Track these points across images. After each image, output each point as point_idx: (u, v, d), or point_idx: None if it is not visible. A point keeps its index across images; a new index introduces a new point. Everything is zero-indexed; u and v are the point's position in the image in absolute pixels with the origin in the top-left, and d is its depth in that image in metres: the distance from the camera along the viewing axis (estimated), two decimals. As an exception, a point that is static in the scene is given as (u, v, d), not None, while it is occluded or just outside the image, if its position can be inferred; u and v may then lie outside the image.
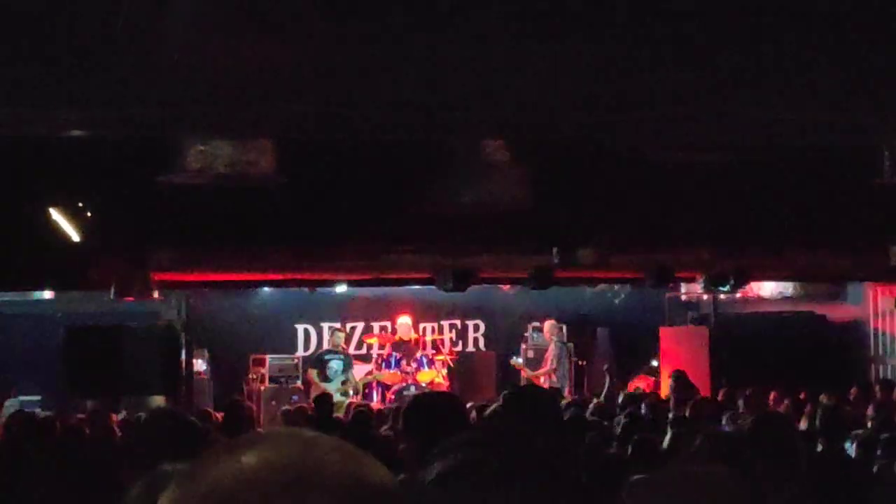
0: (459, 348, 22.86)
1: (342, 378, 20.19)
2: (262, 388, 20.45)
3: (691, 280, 19.54)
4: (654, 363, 21.36)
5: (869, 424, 11.34)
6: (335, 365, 20.33)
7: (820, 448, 8.91)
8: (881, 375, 19.87)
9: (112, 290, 15.76)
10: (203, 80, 6.17)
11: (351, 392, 19.97)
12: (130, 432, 9.51)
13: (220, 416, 13.92)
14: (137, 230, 12.26)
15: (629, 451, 9.13)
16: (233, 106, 6.77)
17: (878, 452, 9.33)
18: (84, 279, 15.22)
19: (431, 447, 3.14)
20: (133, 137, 8.25)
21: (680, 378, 17.29)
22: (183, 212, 11.00)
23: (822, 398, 15.23)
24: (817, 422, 9.40)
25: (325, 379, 20.04)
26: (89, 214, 10.76)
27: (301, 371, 20.96)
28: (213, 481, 1.38)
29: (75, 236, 10.92)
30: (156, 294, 16.34)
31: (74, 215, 10.75)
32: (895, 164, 8.07)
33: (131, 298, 16.02)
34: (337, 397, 19.10)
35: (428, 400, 5.58)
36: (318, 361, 20.59)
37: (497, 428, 4.22)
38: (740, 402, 15.18)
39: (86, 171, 9.70)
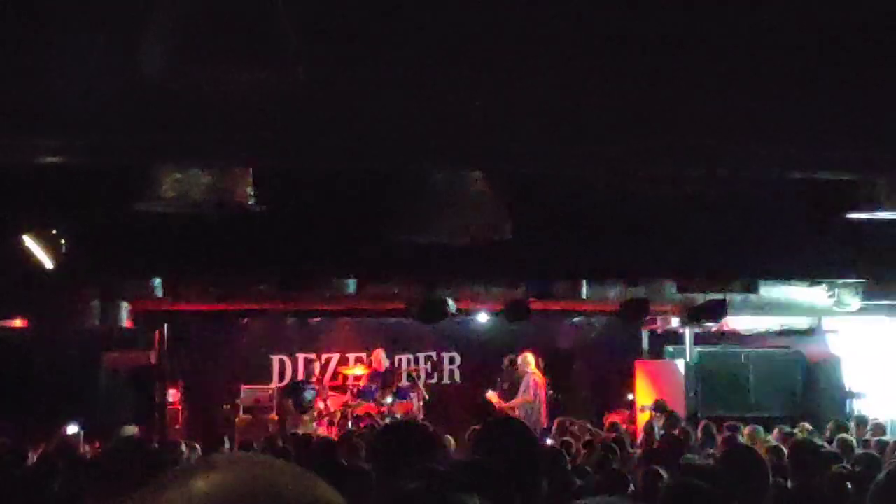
0: (434, 380, 22.81)
1: (316, 408, 20.12)
2: (237, 418, 20.37)
3: (668, 314, 19.57)
4: (630, 397, 21.36)
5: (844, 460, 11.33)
6: (309, 395, 20.25)
7: (792, 483, 8.90)
8: (856, 411, 19.89)
9: (86, 320, 15.68)
10: (179, 108, 6.15)
11: (326, 422, 19.90)
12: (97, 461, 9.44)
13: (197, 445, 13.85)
14: (112, 259, 12.20)
15: (600, 481, 9.12)
16: (209, 134, 6.75)
17: (850, 488, 9.32)
18: (58, 308, 15.14)
19: (398, 475, 3.13)
20: (109, 165, 8.22)
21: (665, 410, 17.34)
22: (158, 241, 10.96)
23: (797, 433, 15.24)
24: (791, 457, 9.39)
25: (300, 409, 19.96)
26: (63, 242, 10.70)
27: (276, 401, 20.90)
28: None
29: (49, 264, 10.84)
30: (130, 324, 16.26)
31: (48, 243, 10.68)
32: (871, 198, 8.09)
33: (105, 328, 15.94)
34: (311, 427, 19.06)
35: (398, 429, 5.56)
36: (293, 391, 20.51)
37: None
38: (716, 436, 15.20)
39: (60, 199, 9.65)
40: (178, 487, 1.37)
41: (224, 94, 5.74)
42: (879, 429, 16.47)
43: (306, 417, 19.66)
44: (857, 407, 20.46)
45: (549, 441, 15.91)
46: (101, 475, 4.74)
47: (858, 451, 12.66)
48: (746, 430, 15.28)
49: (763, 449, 12.35)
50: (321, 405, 20.26)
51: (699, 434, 16.05)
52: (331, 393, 20.90)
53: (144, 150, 7.11)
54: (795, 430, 15.58)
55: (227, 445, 14.65)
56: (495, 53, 5.82)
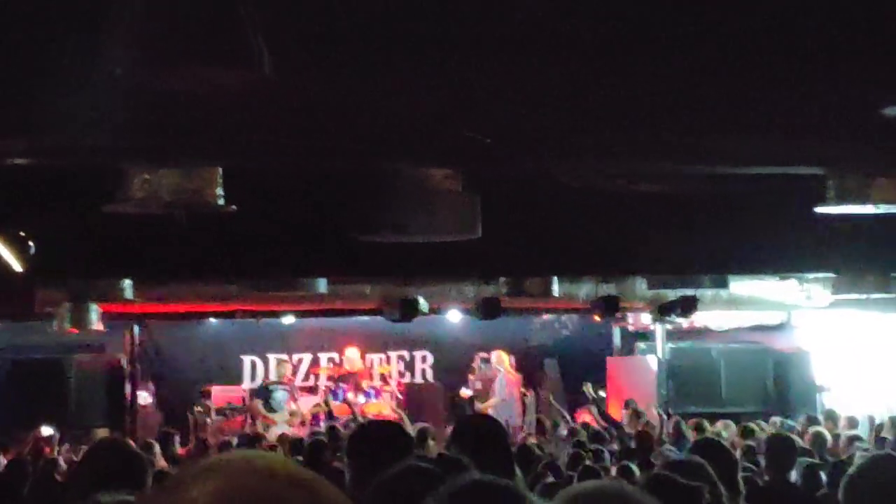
0: (407, 379, 22.80)
1: (287, 409, 20.09)
2: (209, 420, 20.32)
3: (639, 310, 19.61)
4: (602, 394, 21.40)
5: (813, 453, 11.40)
6: (280, 396, 20.22)
7: (766, 477, 8.93)
8: (826, 405, 19.99)
9: (56, 322, 15.60)
10: (148, 108, 6.12)
11: (297, 422, 19.87)
12: (74, 464, 9.41)
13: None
14: (82, 261, 12.13)
15: (574, 480, 9.13)
16: (178, 134, 6.72)
17: (824, 480, 9.38)
18: (27, 311, 15.06)
19: (375, 474, 3.12)
20: (77, 166, 8.17)
21: (633, 408, 17.40)
22: (128, 242, 10.91)
23: (768, 427, 15.32)
24: (763, 450, 9.43)
25: (271, 409, 19.93)
26: (32, 244, 10.63)
27: (247, 403, 20.88)
28: None
29: (17, 266, 10.78)
30: (101, 326, 16.18)
31: (16, 245, 10.62)
32: (840, 191, 8.12)
33: (76, 330, 15.87)
34: (283, 428, 19.02)
35: (373, 428, 5.56)
36: (262, 392, 20.48)
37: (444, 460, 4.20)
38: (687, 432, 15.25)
39: (28, 200, 9.59)
40: (178, 494, 1.36)
41: (192, 94, 5.72)
42: (852, 423, 16.58)
43: (277, 418, 19.62)
44: (827, 401, 20.56)
45: (521, 437, 15.95)
46: (77, 477, 4.72)
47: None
48: (718, 424, 15.37)
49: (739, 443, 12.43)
50: (293, 406, 20.22)
51: (670, 430, 16.12)
52: (302, 394, 20.87)
53: (113, 151, 7.08)
54: (766, 426, 15.68)
55: (177, 443, 14.59)
56: (467, 51, 5.82)
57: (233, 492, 1.33)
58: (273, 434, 17.56)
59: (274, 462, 1.41)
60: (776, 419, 17.08)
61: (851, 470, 4.02)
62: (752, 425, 15.18)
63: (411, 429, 12.14)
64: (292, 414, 20.01)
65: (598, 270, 15.49)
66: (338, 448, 11.49)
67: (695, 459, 5.08)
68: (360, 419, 18.77)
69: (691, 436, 14.40)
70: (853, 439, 13.76)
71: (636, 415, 17.17)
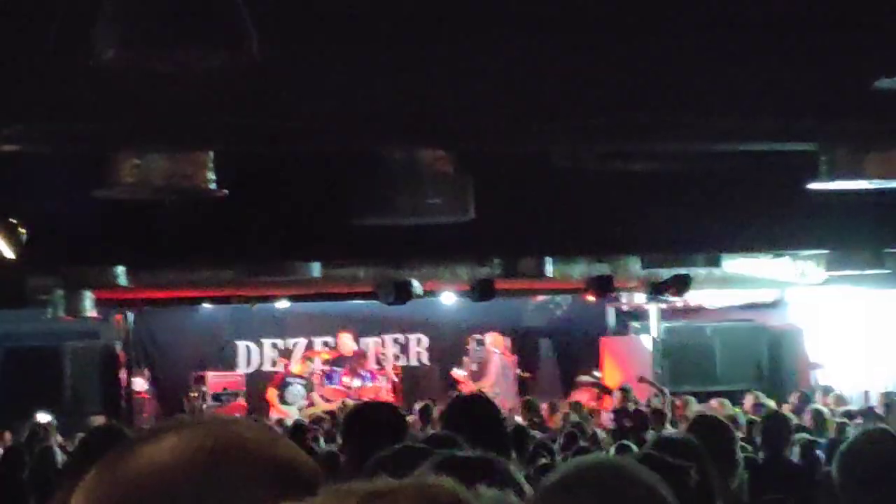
0: (402, 362, 22.78)
1: (302, 403, 20.05)
2: (204, 406, 20.30)
3: (632, 289, 19.60)
4: (597, 374, 21.41)
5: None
6: (295, 390, 20.20)
7: (762, 453, 8.94)
8: (820, 382, 20.02)
9: (49, 310, 15.57)
10: (137, 93, 6.10)
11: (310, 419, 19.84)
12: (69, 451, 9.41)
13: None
14: (74, 247, 12.11)
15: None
16: (168, 119, 6.70)
17: (822, 457, 9.40)
18: (20, 298, 15.03)
19: (369, 456, 3.12)
20: (67, 151, 8.15)
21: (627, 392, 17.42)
22: (120, 228, 10.89)
23: (765, 404, 15.35)
24: (760, 428, 9.44)
25: (285, 402, 19.93)
26: (24, 231, 10.60)
27: (247, 388, 20.88)
28: (133, 466, 1.37)
29: (10, 254, 10.75)
30: (94, 313, 16.15)
31: (9, 232, 10.59)
32: (831, 169, 8.10)
33: (70, 318, 15.84)
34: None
35: (368, 409, 5.56)
36: (280, 384, 20.44)
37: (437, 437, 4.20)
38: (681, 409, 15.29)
39: (19, 187, 9.57)
40: (145, 448, 1.38)
41: (180, 77, 5.70)
42: (841, 400, 16.63)
43: (290, 411, 19.58)
44: (821, 377, 20.58)
45: (517, 419, 15.95)
46: (78, 463, 4.70)
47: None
48: (713, 402, 15.39)
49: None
50: (312, 398, 20.19)
51: (666, 409, 16.13)
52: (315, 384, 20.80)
53: (103, 137, 7.06)
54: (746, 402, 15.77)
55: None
56: (456, 29, 5.80)
57: (195, 444, 1.36)
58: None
59: (235, 418, 1.46)
60: (758, 393, 17.18)
61: (843, 446, 4.02)
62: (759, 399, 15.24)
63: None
64: (309, 407, 19.91)
65: (592, 250, 15.48)
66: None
67: (687, 437, 5.07)
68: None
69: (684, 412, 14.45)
70: (846, 415, 13.80)
71: (627, 396, 17.20)
